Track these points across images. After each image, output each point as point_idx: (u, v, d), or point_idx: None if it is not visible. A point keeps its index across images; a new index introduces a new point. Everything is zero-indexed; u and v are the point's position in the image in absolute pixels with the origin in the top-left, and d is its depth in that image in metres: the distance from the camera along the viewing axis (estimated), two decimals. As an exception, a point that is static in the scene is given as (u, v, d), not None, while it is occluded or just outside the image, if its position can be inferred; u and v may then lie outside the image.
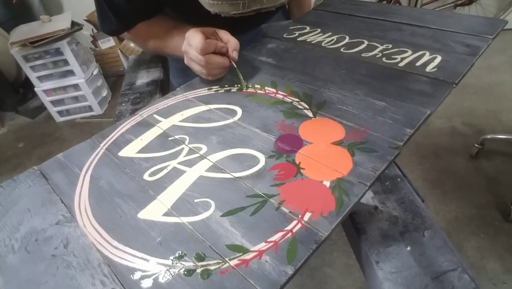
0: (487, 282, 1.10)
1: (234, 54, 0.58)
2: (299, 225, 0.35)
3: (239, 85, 0.59)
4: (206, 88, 0.60)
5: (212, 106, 0.55)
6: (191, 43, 0.56)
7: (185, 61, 0.60)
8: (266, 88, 0.57)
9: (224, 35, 0.58)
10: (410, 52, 0.61)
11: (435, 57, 0.59)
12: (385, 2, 2.28)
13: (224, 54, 0.58)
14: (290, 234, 0.34)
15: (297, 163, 0.42)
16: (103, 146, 0.50)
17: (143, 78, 0.79)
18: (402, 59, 0.60)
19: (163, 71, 0.83)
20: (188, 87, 0.61)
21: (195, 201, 0.39)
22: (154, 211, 0.39)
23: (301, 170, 0.41)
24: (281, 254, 0.33)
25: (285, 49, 0.69)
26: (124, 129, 0.53)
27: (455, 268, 0.37)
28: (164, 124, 0.53)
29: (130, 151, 0.49)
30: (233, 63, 0.58)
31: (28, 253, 0.37)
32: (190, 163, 0.45)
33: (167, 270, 0.33)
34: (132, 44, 2.34)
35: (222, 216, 0.37)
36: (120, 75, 2.50)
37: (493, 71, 2.00)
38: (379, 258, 0.39)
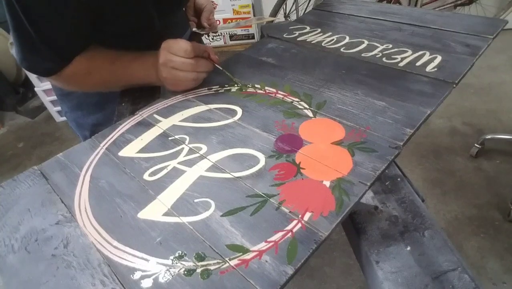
0: (487, 282, 1.10)
1: (216, 57, 0.59)
2: (299, 225, 0.35)
3: (239, 85, 0.59)
4: (206, 88, 0.60)
5: (212, 106, 0.55)
6: (174, 51, 0.54)
7: (163, 75, 0.56)
8: (266, 88, 0.57)
9: (197, 42, 0.58)
10: (410, 52, 0.61)
11: (435, 57, 0.59)
12: (385, 2, 2.28)
13: (206, 58, 0.58)
14: (290, 234, 0.34)
15: (297, 162, 0.42)
16: (103, 145, 0.50)
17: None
18: (402, 59, 0.60)
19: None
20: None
21: (195, 200, 0.39)
22: (154, 211, 0.39)
23: (301, 170, 0.41)
24: (281, 254, 0.33)
25: (285, 49, 0.69)
26: (124, 129, 0.53)
27: (455, 268, 0.37)
28: (164, 124, 0.53)
29: (130, 150, 0.49)
30: (218, 66, 0.60)
31: (28, 253, 0.37)
32: (190, 163, 0.45)
33: (167, 270, 0.33)
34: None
35: (222, 216, 0.37)
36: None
37: (493, 71, 2.00)
38: (379, 258, 0.39)
